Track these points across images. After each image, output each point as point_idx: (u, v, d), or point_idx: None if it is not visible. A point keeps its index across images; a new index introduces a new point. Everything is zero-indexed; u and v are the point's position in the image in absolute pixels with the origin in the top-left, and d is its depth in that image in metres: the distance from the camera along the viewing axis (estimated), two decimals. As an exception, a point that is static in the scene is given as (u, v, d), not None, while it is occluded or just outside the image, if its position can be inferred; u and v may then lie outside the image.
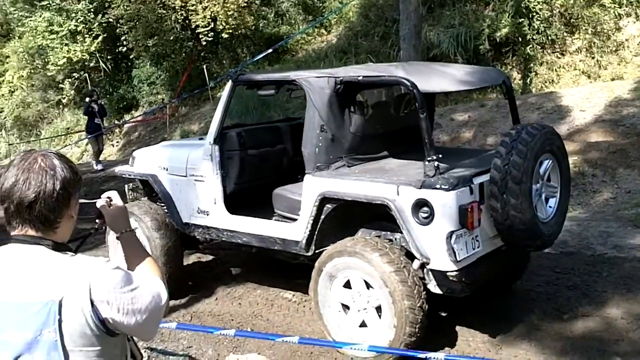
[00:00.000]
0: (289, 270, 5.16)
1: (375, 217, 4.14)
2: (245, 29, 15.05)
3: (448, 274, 3.74)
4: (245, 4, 14.71)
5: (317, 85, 4.37)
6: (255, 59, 14.06)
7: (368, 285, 3.94)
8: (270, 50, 12.94)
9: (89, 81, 18.62)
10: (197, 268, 6.06)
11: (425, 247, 3.75)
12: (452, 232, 3.63)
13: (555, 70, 11.46)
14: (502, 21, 11.66)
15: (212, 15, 14.35)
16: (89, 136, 12.80)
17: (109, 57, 18.01)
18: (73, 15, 16.76)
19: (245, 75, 5.11)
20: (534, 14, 11.50)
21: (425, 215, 3.72)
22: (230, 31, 14.50)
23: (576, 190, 7.70)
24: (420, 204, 3.73)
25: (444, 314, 4.56)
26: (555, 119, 9.35)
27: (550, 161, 4.11)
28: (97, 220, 1.91)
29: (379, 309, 3.93)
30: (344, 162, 4.43)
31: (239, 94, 5.55)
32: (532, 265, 5.33)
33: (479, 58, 11.94)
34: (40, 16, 16.97)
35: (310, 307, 4.80)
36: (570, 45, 11.55)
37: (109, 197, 1.89)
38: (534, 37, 11.51)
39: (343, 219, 4.25)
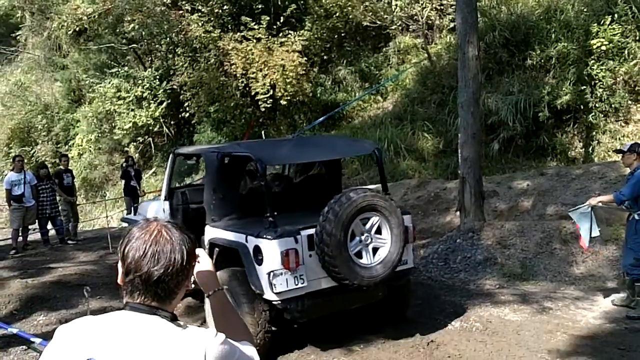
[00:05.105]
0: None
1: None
2: (303, 95, 15.31)
3: (273, 302, 4.87)
4: (303, 72, 15.05)
5: (211, 158, 5.69)
6: (312, 125, 14.25)
7: None
8: (323, 118, 13.11)
9: (152, 145, 19.23)
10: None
11: (259, 282, 4.86)
12: (272, 271, 4.74)
13: (619, 139, 11.03)
14: (563, 88, 11.42)
15: (272, 82, 14.71)
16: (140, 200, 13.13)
17: (172, 122, 18.60)
18: (140, 82, 17.50)
19: (179, 149, 6.83)
20: (597, 81, 11.23)
21: (260, 257, 4.84)
22: (288, 98, 14.79)
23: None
24: (256, 249, 4.87)
25: None
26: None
27: (377, 218, 5.02)
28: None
29: None
30: (234, 216, 5.56)
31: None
32: (596, 341, 4.98)
33: (538, 125, 11.69)
34: (110, 83, 17.80)
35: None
36: (635, 113, 11.17)
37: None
38: (597, 105, 11.21)
39: (230, 259, 5.24)
